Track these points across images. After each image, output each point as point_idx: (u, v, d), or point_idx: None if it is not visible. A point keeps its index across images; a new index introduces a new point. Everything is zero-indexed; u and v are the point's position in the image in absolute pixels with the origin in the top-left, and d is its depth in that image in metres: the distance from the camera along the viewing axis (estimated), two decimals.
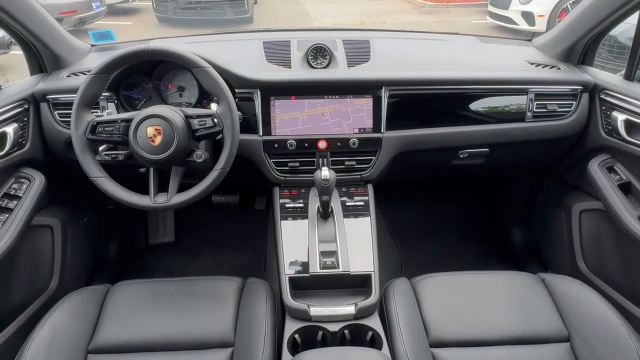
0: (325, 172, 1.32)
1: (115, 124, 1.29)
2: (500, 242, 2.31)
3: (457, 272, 1.41)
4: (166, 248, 2.30)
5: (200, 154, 1.32)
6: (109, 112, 1.39)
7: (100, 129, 1.28)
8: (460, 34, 1.97)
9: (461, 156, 1.67)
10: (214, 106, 1.43)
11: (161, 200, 1.30)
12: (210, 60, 1.34)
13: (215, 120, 1.29)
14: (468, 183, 2.44)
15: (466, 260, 2.22)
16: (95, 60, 1.68)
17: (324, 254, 1.35)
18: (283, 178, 1.56)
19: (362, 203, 1.51)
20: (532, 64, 1.67)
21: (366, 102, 1.52)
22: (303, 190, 1.56)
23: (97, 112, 1.46)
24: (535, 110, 1.58)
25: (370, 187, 1.57)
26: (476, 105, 1.58)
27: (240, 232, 2.37)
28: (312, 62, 1.57)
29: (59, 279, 1.63)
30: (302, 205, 1.51)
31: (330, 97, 1.52)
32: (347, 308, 1.21)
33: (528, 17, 7.61)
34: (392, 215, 2.39)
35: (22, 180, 1.44)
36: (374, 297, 1.23)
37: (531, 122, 1.59)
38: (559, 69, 1.65)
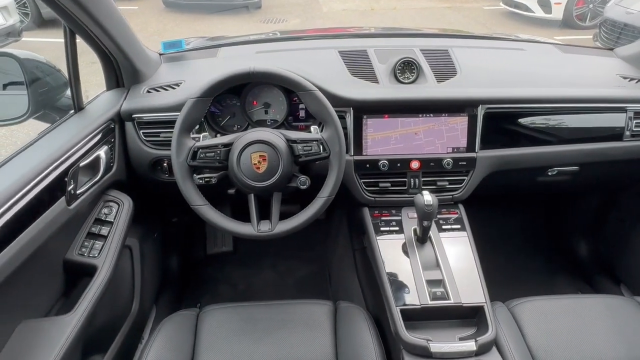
0: (428, 197, 1.27)
1: (216, 149, 1.25)
2: (565, 255, 2.27)
3: (553, 297, 1.40)
4: (225, 258, 2.26)
5: (304, 181, 1.28)
6: (205, 135, 1.33)
7: (201, 155, 1.24)
8: (539, 42, 1.90)
9: (549, 174, 1.62)
10: (313, 129, 1.37)
11: (264, 228, 1.26)
12: (306, 79, 1.29)
13: (322, 146, 1.24)
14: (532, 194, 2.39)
15: (533, 274, 2.18)
16: (168, 73, 1.61)
17: (430, 282, 1.31)
18: (373, 199, 1.51)
19: (458, 225, 1.47)
20: (625, 78, 1.61)
21: (461, 121, 1.47)
22: (394, 211, 1.51)
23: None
24: (634, 129, 1.53)
25: (461, 207, 1.53)
26: (571, 123, 1.53)
27: (299, 242, 2.31)
28: (399, 76, 1.51)
29: (140, 301, 1.59)
30: (397, 228, 1.46)
31: (424, 115, 1.46)
32: (467, 344, 1.17)
33: (544, 4, 7.48)
34: None
35: (111, 204, 1.38)
36: (492, 333, 1.19)
37: (629, 142, 1.55)
38: None
